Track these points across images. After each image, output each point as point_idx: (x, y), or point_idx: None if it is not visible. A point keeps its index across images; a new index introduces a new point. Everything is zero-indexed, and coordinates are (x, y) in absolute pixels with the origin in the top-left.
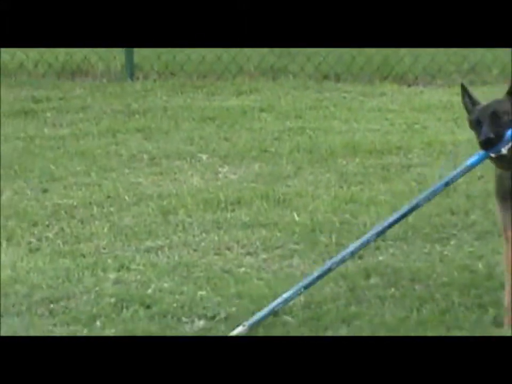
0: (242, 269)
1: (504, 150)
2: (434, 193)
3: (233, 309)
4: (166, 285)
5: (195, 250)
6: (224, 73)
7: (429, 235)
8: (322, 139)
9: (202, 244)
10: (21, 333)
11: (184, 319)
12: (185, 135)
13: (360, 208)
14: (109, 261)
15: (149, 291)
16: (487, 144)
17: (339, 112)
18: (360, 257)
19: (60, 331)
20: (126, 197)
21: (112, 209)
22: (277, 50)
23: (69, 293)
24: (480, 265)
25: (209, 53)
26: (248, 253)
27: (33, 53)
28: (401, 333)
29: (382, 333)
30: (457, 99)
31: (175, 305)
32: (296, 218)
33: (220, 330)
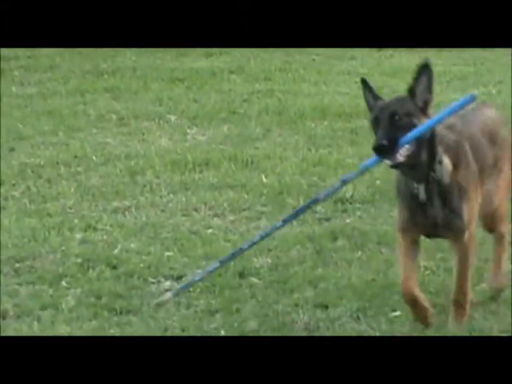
0: (210, 230)
1: (400, 158)
2: (334, 190)
3: (200, 270)
4: (132, 245)
5: (162, 211)
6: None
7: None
8: (291, 101)
9: (170, 204)
10: None
11: (150, 279)
12: (154, 95)
13: (328, 170)
14: (76, 220)
15: (116, 251)
16: (380, 151)
17: (308, 75)
18: (327, 220)
19: (25, 290)
20: (94, 157)
21: (79, 169)
22: None
23: (35, 252)
24: None
25: None
26: (216, 215)
27: None
28: (367, 295)
29: (348, 295)
30: None
31: (141, 265)
32: (264, 180)
33: (185, 291)
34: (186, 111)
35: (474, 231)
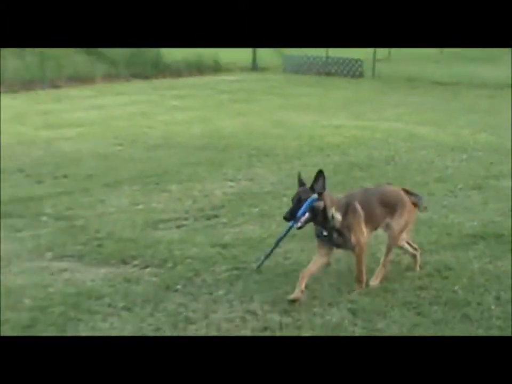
0: None
1: (299, 223)
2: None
3: None
4: None
5: None
6: None
7: None
8: None
9: None
10: None
11: None
12: None
13: None
14: None
15: None
16: (285, 219)
17: None
18: None
19: None
20: None
21: None
22: None
23: None
24: None
25: None
26: None
27: None
28: None
29: None
30: None
31: None
32: None
33: None
34: None
35: (362, 244)
